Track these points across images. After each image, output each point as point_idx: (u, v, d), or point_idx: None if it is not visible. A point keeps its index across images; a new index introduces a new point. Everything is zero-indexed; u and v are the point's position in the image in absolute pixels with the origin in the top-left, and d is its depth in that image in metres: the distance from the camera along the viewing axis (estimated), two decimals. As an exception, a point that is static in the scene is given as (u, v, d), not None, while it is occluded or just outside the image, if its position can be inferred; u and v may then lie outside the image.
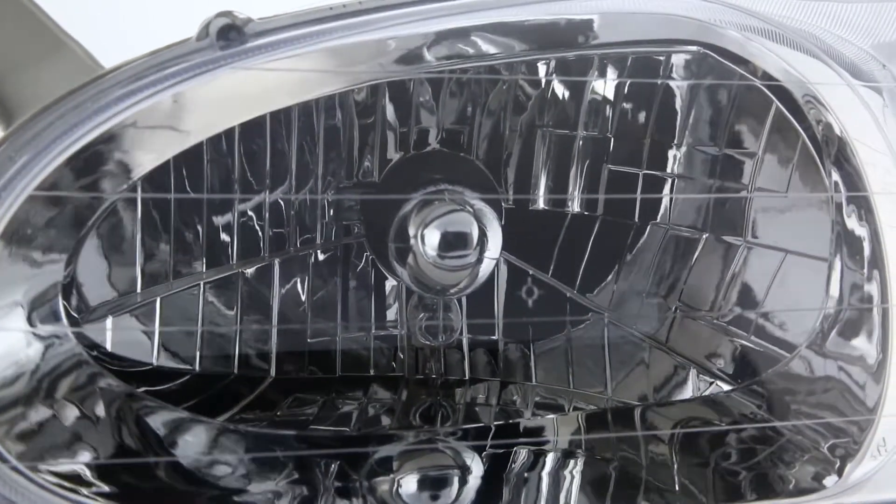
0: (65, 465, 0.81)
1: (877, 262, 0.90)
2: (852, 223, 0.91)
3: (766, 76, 0.92)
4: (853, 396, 0.92)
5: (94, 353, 0.97)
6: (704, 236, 1.09)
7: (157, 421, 0.96)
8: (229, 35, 0.81)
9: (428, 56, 0.87)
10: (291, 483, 0.98)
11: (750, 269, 1.05)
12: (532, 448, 1.07)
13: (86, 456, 0.85)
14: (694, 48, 0.93)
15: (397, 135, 1.16)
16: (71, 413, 0.86)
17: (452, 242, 1.06)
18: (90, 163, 0.78)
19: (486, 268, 1.12)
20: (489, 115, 1.16)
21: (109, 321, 1.01)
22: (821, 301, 0.94)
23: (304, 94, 0.89)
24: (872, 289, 0.91)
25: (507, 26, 0.87)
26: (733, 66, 0.92)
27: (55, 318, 0.83)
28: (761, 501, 0.95)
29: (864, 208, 0.90)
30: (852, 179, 0.90)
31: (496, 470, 1.03)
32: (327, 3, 0.85)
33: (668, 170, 1.11)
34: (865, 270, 0.91)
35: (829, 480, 0.91)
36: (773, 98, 0.93)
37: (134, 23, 0.93)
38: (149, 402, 0.96)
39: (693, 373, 1.09)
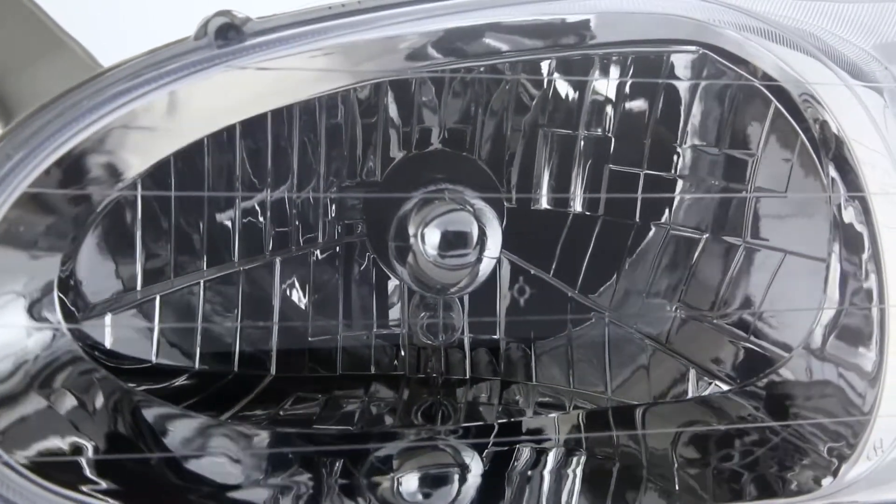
0: (58, 459, 0.82)
1: (875, 262, 0.90)
2: (850, 224, 0.91)
3: (766, 76, 0.92)
4: (850, 398, 0.92)
5: (94, 351, 0.97)
6: (705, 237, 1.09)
7: (157, 418, 0.96)
8: (228, 34, 0.81)
9: (427, 55, 0.87)
10: (296, 481, 0.98)
11: (749, 270, 1.05)
12: (533, 446, 1.07)
13: (80, 450, 0.85)
14: (693, 48, 0.93)
15: (400, 134, 1.16)
16: (66, 407, 0.86)
17: (452, 242, 1.07)
18: (83, 163, 0.79)
19: (486, 267, 1.12)
20: (491, 115, 1.16)
21: (109, 318, 1.01)
22: (819, 302, 0.94)
23: (303, 94, 0.89)
24: (870, 290, 0.91)
25: (504, 26, 0.87)
26: (732, 66, 0.92)
27: (50, 314, 0.84)
28: (760, 501, 0.95)
29: (863, 209, 0.90)
30: (851, 179, 0.90)
31: (498, 468, 1.03)
32: (326, 3, 0.86)
33: (670, 170, 1.10)
34: (863, 271, 0.91)
35: (826, 481, 0.91)
36: (772, 98, 0.93)
37: (133, 22, 0.94)
38: (147, 398, 0.97)
39: (693, 373, 1.09)
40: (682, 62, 1.03)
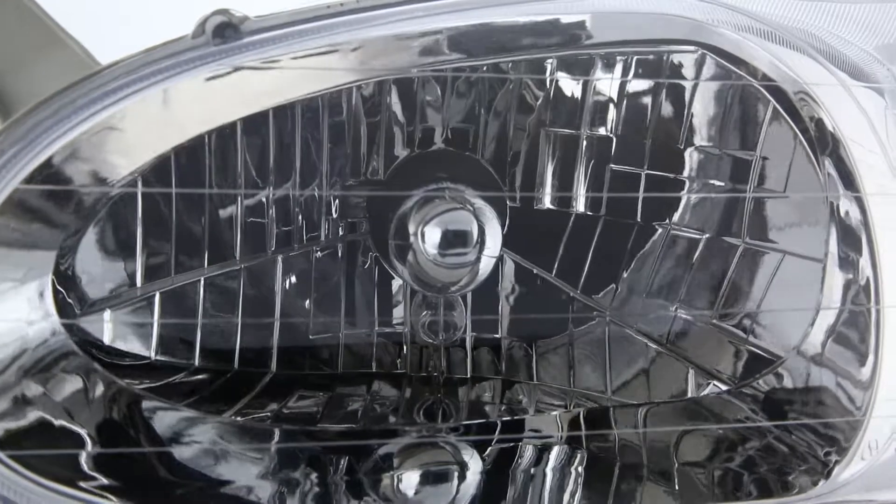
0: (52, 453, 0.82)
1: (871, 263, 0.90)
2: (848, 225, 0.91)
3: (764, 76, 0.92)
4: (845, 399, 0.92)
5: (93, 347, 0.98)
6: (705, 237, 1.09)
7: (156, 415, 0.97)
8: (225, 32, 0.82)
9: (429, 54, 0.88)
10: (301, 478, 0.99)
11: (749, 271, 1.05)
12: (536, 445, 1.07)
13: (75, 446, 0.86)
14: (692, 48, 0.93)
15: (404, 133, 1.16)
16: (61, 402, 0.87)
17: (451, 240, 1.06)
18: (78, 160, 0.79)
19: (486, 266, 1.11)
20: (495, 115, 1.16)
21: (108, 315, 1.02)
22: (816, 304, 0.94)
23: (302, 91, 0.90)
24: (867, 291, 0.91)
25: (502, 25, 0.87)
26: (731, 66, 0.92)
27: (45, 311, 0.84)
28: (757, 500, 0.95)
29: (860, 210, 0.90)
30: (848, 180, 0.90)
31: (500, 466, 1.04)
32: (325, 2, 0.86)
33: (672, 170, 1.10)
34: (860, 273, 0.91)
35: (821, 481, 0.91)
36: (770, 98, 0.93)
37: (132, 21, 0.94)
38: (146, 396, 0.98)
39: (692, 374, 1.09)
40: (682, 62, 1.03)
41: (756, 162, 1.01)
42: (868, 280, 0.90)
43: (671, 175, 1.11)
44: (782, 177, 0.98)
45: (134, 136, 0.81)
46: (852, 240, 0.91)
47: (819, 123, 0.91)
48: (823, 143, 0.91)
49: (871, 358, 0.90)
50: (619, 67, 1.09)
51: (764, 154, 1.00)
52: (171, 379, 1.05)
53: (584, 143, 1.15)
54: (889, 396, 0.90)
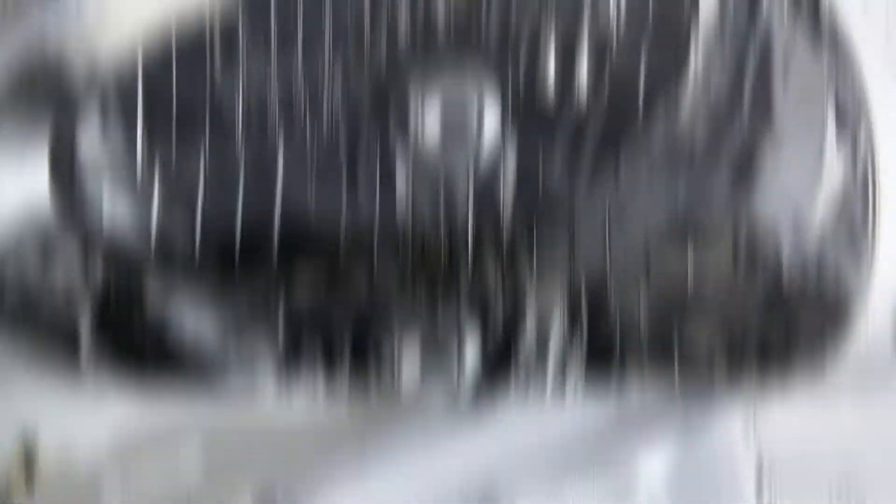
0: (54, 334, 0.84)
1: (868, 142, 0.91)
2: (845, 106, 0.92)
3: None
4: (843, 280, 0.93)
5: (91, 233, 0.98)
6: (709, 124, 1.09)
7: (157, 297, 0.98)
8: None
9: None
10: (309, 356, 1.00)
11: (752, 156, 1.05)
12: (536, 327, 1.08)
13: (74, 328, 0.87)
14: None
15: (407, 21, 1.16)
16: (59, 287, 0.88)
17: (452, 128, 1.07)
18: (73, 40, 0.79)
19: (487, 154, 1.12)
20: (498, 5, 1.16)
21: (106, 200, 1.02)
22: (816, 182, 0.95)
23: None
24: (864, 171, 0.91)
25: None
26: None
27: (43, 196, 0.85)
28: (758, 385, 0.97)
29: (856, 90, 0.90)
30: (846, 61, 0.91)
31: (501, 348, 1.05)
32: None
33: (674, 60, 1.10)
34: (858, 151, 0.91)
35: (820, 364, 0.93)
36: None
37: None
38: (147, 278, 0.98)
39: (694, 256, 1.09)
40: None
41: (756, 48, 1.01)
42: (866, 159, 0.91)
43: (674, 64, 1.11)
44: (784, 61, 0.98)
45: (131, 14, 0.81)
46: (850, 120, 0.91)
47: (816, 5, 0.91)
48: (821, 25, 0.91)
49: (868, 240, 0.91)
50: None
51: (765, 40, 1.00)
52: (171, 264, 1.06)
53: (587, 34, 1.14)
54: (885, 275, 0.91)
